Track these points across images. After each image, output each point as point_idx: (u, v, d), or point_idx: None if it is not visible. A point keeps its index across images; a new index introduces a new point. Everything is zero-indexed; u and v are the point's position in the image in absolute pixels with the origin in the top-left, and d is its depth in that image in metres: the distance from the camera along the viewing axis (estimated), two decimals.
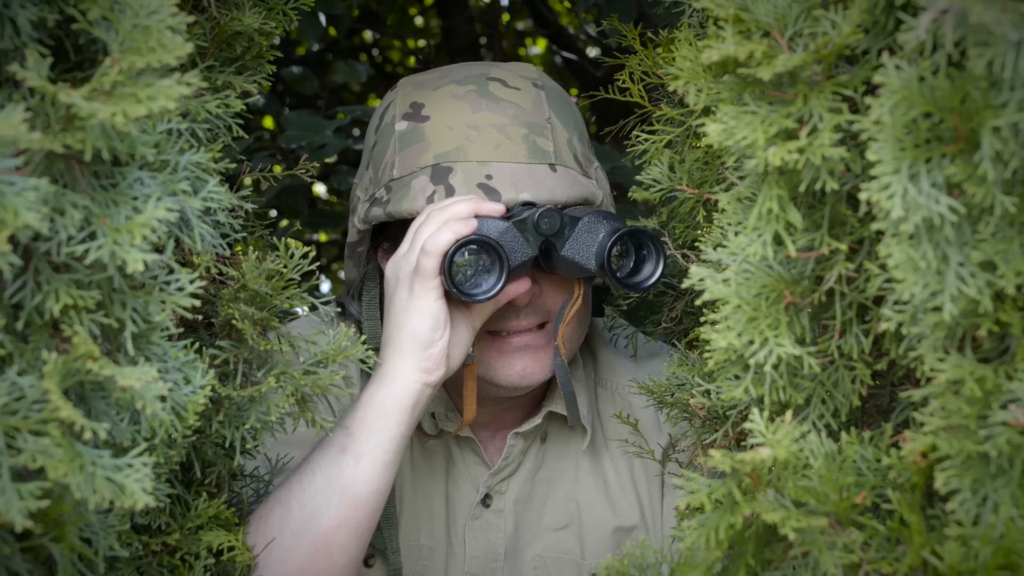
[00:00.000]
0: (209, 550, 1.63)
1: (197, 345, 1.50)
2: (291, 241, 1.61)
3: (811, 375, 1.41)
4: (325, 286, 5.01)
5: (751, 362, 1.37)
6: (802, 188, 1.32)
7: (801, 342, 1.39)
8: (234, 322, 1.57)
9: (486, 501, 2.12)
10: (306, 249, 1.59)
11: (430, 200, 1.91)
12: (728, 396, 1.41)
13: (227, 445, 1.60)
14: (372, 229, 2.03)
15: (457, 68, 2.08)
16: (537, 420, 2.11)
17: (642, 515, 2.15)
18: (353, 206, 2.06)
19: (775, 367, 1.40)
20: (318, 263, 1.65)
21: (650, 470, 2.15)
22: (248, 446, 1.59)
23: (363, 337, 1.75)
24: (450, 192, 1.91)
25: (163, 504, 1.58)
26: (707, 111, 1.62)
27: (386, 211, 1.95)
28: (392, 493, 2.03)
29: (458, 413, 2.08)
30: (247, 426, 1.57)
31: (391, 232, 2.03)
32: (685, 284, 1.43)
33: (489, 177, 1.91)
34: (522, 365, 2.00)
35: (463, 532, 2.11)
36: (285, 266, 1.59)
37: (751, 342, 1.36)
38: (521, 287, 1.91)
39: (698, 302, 1.43)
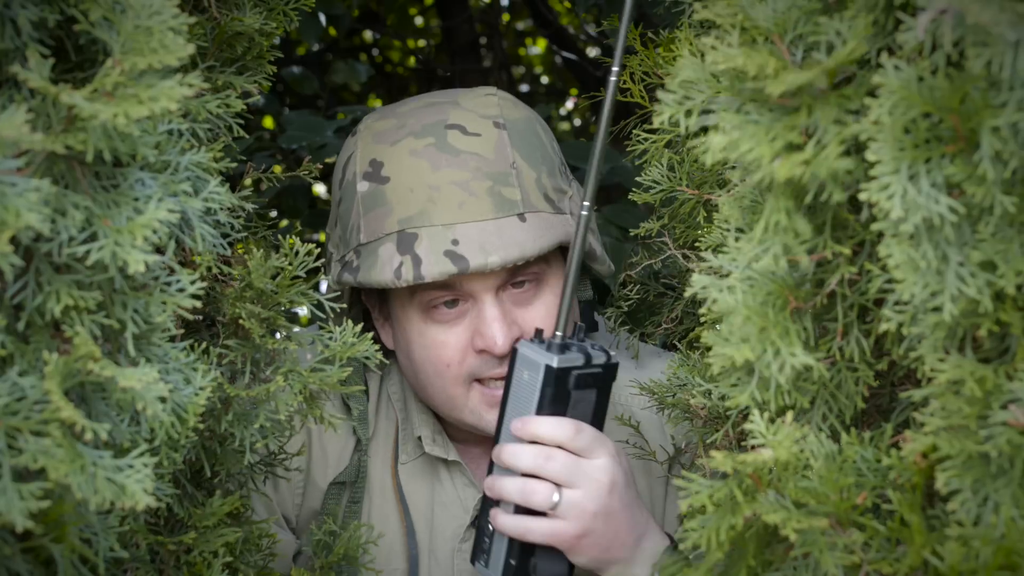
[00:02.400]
0: (227, 548, 1.62)
1: (204, 345, 1.51)
2: (294, 239, 1.61)
3: (816, 379, 1.41)
4: (325, 285, 5.00)
5: (764, 372, 1.35)
6: (808, 199, 1.31)
7: (805, 346, 1.39)
8: (241, 321, 1.57)
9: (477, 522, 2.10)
10: (310, 246, 1.59)
11: (397, 272, 1.88)
12: (734, 403, 1.40)
13: (237, 444, 1.60)
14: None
15: (415, 113, 2.00)
16: None
17: None
18: (327, 260, 2.04)
19: (779, 370, 1.40)
20: (321, 260, 1.65)
21: (653, 471, 2.14)
22: (258, 444, 1.59)
23: (366, 343, 1.73)
24: (417, 263, 1.88)
25: (166, 503, 1.58)
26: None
27: (356, 279, 1.94)
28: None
29: (445, 437, 2.08)
30: (256, 425, 1.57)
31: (372, 291, 2.04)
32: (688, 293, 1.41)
33: (455, 242, 1.88)
34: None
35: (452, 555, 2.09)
36: (290, 263, 1.59)
37: (764, 351, 1.35)
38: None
39: (703, 311, 1.42)
